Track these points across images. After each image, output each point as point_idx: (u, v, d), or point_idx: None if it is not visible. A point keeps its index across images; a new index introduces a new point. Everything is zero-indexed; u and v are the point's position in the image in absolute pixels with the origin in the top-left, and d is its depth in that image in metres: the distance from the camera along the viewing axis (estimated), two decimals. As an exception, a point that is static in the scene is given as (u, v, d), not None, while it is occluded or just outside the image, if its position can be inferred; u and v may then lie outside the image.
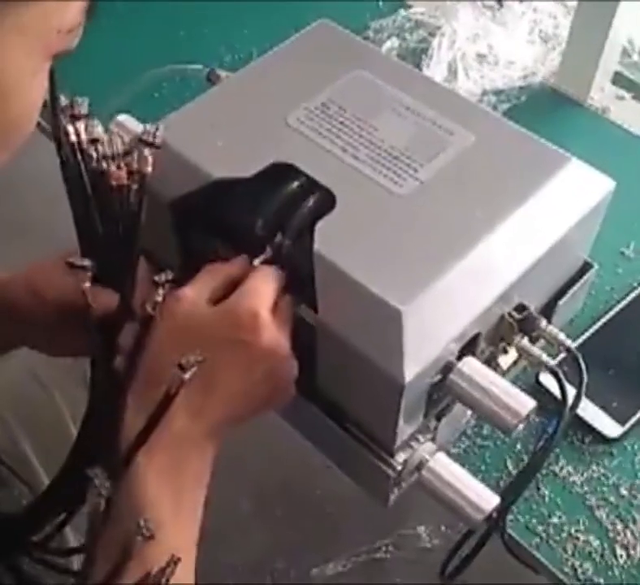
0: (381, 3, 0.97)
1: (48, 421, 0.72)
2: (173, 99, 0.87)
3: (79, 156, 0.47)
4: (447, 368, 0.50)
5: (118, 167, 0.47)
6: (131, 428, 0.45)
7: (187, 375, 0.41)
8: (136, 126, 0.66)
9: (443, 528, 1.22)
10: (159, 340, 0.47)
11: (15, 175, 1.57)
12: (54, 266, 0.51)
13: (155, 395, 0.44)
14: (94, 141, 0.47)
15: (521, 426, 0.51)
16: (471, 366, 0.50)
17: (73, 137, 0.47)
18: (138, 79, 0.75)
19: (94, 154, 0.47)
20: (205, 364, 0.46)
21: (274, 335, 0.48)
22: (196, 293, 0.49)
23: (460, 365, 0.50)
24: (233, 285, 0.50)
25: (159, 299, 0.42)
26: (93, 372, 0.49)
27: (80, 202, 0.49)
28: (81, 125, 0.47)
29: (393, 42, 0.89)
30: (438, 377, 0.50)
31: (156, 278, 0.42)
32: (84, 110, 0.48)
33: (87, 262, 0.45)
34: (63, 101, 0.48)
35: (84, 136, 0.47)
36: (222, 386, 0.47)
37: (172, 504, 0.45)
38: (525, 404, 0.49)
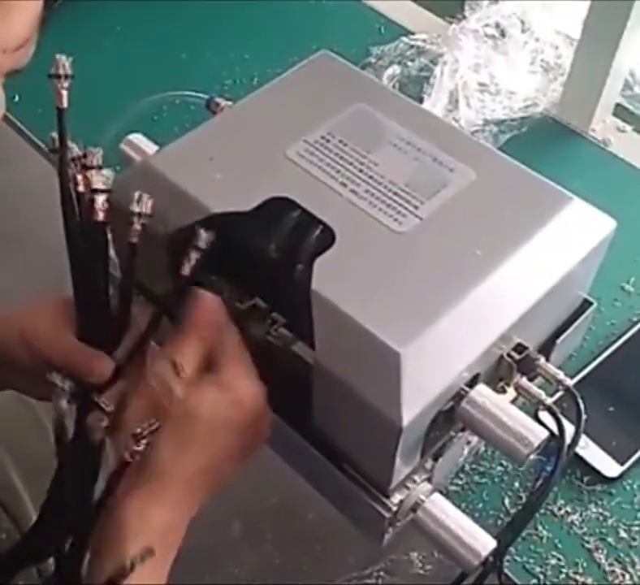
0: (382, 29, 0.97)
1: (34, 443, 0.71)
2: (173, 122, 0.87)
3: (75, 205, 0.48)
4: (459, 396, 0.49)
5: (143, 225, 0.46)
6: None
7: (140, 447, 0.40)
8: (147, 146, 0.65)
9: (435, 554, 1.20)
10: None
11: (7, 187, 1.57)
12: (47, 318, 0.51)
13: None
14: (103, 192, 0.47)
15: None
16: (483, 393, 0.50)
17: (81, 187, 0.47)
18: (137, 104, 0.75)
19: (103, 207, 0.47)
20: (207, 447, 0.46)
21: (270, 415, 0.49)
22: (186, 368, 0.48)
23: (472, 393, 0.49)
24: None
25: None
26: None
27: (81, 256, 0.49)
28: (91, 175, 0.47)
29: (394, 70, 0.89)
30: (449, 405, 0.49)
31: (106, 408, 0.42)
32: (97, 160, 0.48)
33: (67, 384, 0.45)
34: (76, 151, 0.48)
35: (94, 185, 0.47)
36: (222, 465, 0.48)
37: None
38: (538, 434, 0.49)
